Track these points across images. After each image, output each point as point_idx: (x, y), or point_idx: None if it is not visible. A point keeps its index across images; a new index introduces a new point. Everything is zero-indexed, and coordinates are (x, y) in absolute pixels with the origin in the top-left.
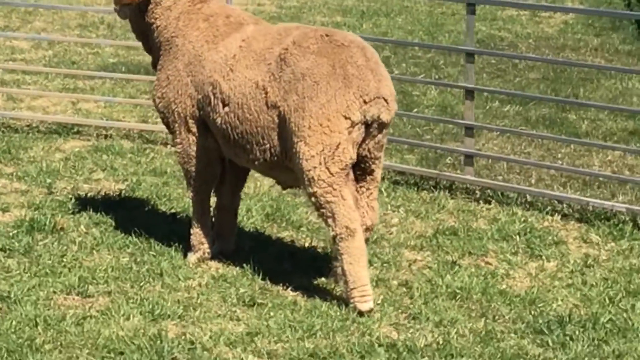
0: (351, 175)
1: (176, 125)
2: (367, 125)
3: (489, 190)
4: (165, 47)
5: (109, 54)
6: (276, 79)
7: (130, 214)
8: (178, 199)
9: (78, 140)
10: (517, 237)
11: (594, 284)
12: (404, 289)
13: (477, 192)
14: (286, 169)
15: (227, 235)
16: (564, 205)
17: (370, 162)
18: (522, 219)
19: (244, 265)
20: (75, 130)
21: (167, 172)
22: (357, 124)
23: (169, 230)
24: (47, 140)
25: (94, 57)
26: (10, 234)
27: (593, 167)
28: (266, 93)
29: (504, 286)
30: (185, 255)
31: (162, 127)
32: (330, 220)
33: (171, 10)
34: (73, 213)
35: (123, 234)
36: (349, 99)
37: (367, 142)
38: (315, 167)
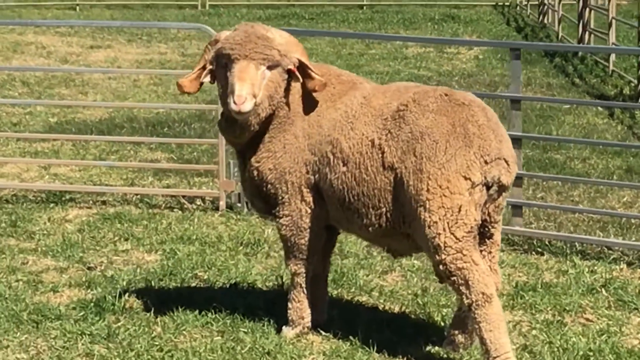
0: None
1: (286, 196)
2: (488, 187)
3: (535, 241)
4: (281, 119)
5: (45, 114)
6: (393, 138)
7: (190, 288)
8: (225, 268)
9: (78, 209)
10: (602, 290)
11: None
12: (528, 354)
13: (521, 242)
14: (402, 236)
15: (320, 305)
16: (619, 252)
17: (490, 226)
18: (590, 270)
19: (349, 337)
20: (67, 197)
21: (192, 238)
22: (477, 185)
23: (242, 303)
24: (46, 210)
25: (32, 118)
26: (78, 316)
27: (617, 209)
28: (383, 152)
29: (628, 345)
30: (278, 331)
31: (161, 190)
32: (463, 288)
33: (295, 84)
34: (130, 290)
35: (197, 310)
36: (469, 159)
37: (487, 205)
38: (440, 234)
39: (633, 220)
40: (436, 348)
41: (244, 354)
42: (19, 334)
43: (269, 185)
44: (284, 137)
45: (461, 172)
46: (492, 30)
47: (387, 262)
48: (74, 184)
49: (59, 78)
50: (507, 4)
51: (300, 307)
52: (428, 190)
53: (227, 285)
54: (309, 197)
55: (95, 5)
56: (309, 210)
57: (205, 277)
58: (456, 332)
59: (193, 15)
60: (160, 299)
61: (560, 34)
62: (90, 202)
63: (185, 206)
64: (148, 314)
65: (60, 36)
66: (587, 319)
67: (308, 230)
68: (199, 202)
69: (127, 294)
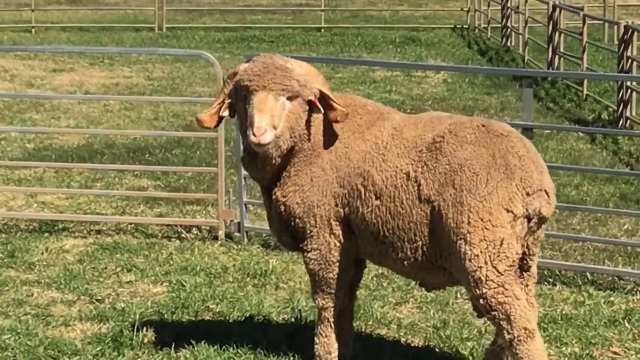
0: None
1: (315, 229)
2: (529, 219)
3: (545, 271)
4: (306, 152)
5: (21, 139)
6: (430, 170)
7: (205, 321)
8: (237, 300)
9: (74, 238)
10: (624, 322)
11: None
12: None
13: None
14: (438, 269)
15: (347, 340)
16: (631, 281)
17: (528, 259)
18: (606, 301)
19: None
20: (60, 226)
21: (196, 269)
22: (519, 217)
23: (261, 337)
24: (41, 239)
25: (8, 144)
26: (95, 351)
27: (619, 237)
28: (419, 185)
29: None
30: None
31: (159, 219)
32: (504, 323)
33: (318, 116)
34: (145, 324)
35: (217, 344)
36: (511, 191)
37: (526, 237)
38: (481, 267)
39: (639, 249)
40: None
41: None
42: None
43: (297, 220)
44: (310, 170)
45: (503, 205)
46: (456, 54)
47: (400, 293)
48: (64, 212)
49: (27, 102)
50: (465, 26)
51: (327, 342)
52: (469, 223)
53: (242, 319)
54: (337, 231)
55: (51, 28)
56: (338, 244)
57: (218, 309)
58: None
59: (151, 37)
60: (177, 333)
61: (527, 58)
62: (85, 231)
63: (183, 235)
64: (168, 349)
65: (20, 59)
66: (615, 352)
67: (337, 264)
68: (195, 231)
69: (143, 328)
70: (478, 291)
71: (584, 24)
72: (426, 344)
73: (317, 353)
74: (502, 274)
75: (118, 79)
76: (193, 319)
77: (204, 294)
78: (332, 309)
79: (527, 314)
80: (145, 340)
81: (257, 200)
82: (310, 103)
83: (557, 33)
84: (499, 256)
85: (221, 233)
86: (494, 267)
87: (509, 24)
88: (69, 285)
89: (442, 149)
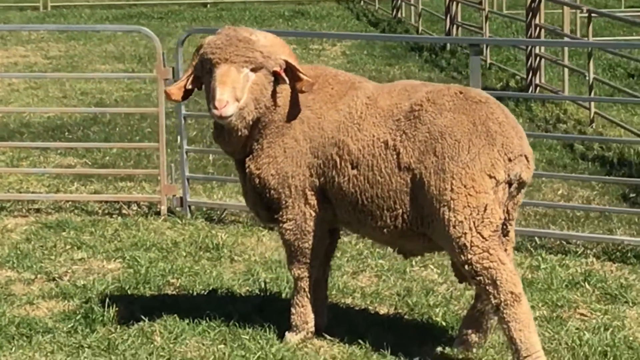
0: None
1: (290, 200)
2: (510, 184)
3: None
4: (277, 124)
5: None
6: (409, 138)
7: (170, 296)
8: (195, 274)
9: (13, 217)
10: (585, 284)
11: None
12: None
13: None
14: (418, 236)
15: (321, 310)
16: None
17: (507, 224)
18: (561, 265)
19: (356, 341)
20: None
21: (146, 244)
22: (501, 183)
23: (230, 310)
24: None
25: None
26: (68, 329)
27: (557, 201)
28: (398, 153)
29: (635, 338)
30: (280, 337)
31: (102, 196)
32: (491, 288)
33: (285, 86)
34: (112, 300)
35: (189, 318)
36: (493, 157)
37: (506, 202)
38: (465, 233)
39: (578, 213)
40: (447, 349)
41: None
42: (13, 349)
43: (272, 191)
44: (282, 141)
45: (486, 171)
46: (347, 25)
47: (354, 262)
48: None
49: None
50: None
51: (304, 312)
52: (452, 190)
53: (206, 292)
54: (313, 200)
55: None
56: (313, 214)
57: (179, 284)
58: (469, 331)
59: (37, 16)
60: (145, 308)
61: (421, 28)
62: (24, 210)
63: (124, 212)
64: (141, 324)
65: None
66: (582, 314)
67: (312, 233)
68: (134, 207)
69: (113, 304)
70: (463, 257)
71: None
72: (396, 311)
73: (294, 323)
74: (486, 240)
75: (15, 58)
76: (156, 293)
77: (161, 269)
78: (308, 279)
79: (513, 278)
80: (116, 316)
81: (199, 175)
82: (275, 74)
83: (454, 3)
84: (483, 222)
85: (163, 208)
86: (479, 233)
87: None
88: (23, 264)
89: (421, 117)
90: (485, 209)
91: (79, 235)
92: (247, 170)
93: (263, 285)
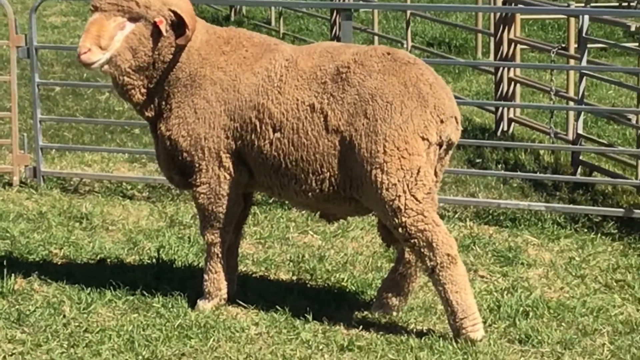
0: None
1: (203, 162)
2: (440, 146)
3: None
4: (184, 83)
5: None
6: (337, 101)
7: (60, 265)
8: (74, 243)
9: None
10: (476, 247)
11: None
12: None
13: None
14: (344, 200)
15: (232, 277)
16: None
17: (434, 185)
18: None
19: (273, 307)
20: None
21: (10, 215)
22: (433, 145)
23: (128, 279)
24: None
25: None
26: None
27: None
28: (325, 116)
29: (552, 298)
30: (192, 305)
31: None
32: (426, 250)
33: (190, 44)
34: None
35: (92, 287)
36: (426, 119)
37: (434, 164)
38: (399, 196)
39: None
40: (365, 312)
41: (177, 328)
42: None
43: (185, 154)
44: (192, 101)
45: (419, 133)
46: None
47: None
48: None
49: None
50: None
51: (217, 279)
52: (385, 152)
53: (95, 261)
54: (228, 163)
55: None
56: (228, 177)
57: (62, 254)
58: (389, 294)
59: None
60: (42, 279)
61: None
62: None
63: None
64: (45, 295)
65: None
66: (483, 276)
67: (226, 197)
68: None
69: (6, 276)
70: (397, 220)
71: None
72: (298, 277)
73: (206, 290)
74: (420, 202)
75: None
76: (46, 263)
77: (39, 240)
78: (222, 245)
79: (448, 240)
80: (14, 287)
81: (53, 144)
82: (155, 25)
83: None
84: (416, 184)
85: (15, 179)
86: (412, 196)
87: None
88: None
89: (349, 79)
90: (419, 172)
91: None
92: (158, 132)
93: (152, 254)
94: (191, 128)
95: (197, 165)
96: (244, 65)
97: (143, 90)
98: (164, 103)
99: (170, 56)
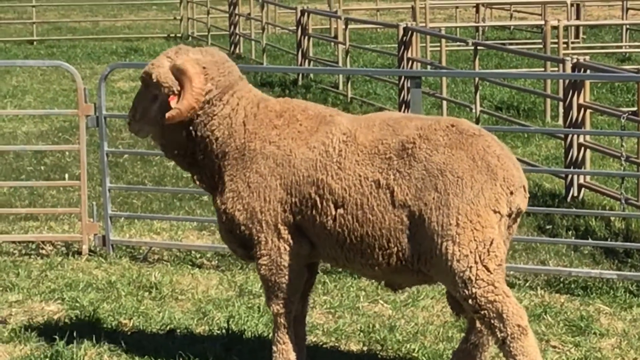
0: None
1: (262, 235)
2: (509, 216)
3: None
4: (233, 156)
5: None
6: (404, 177)
7: (130, 336)
8: (143, 313)
9: None
10: (547, 317)
11: None
12: None
13: None
14: (411, 272)
15: (301, 347)
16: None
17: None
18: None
19: None
20: None
21: (80, 285)
22: (504, 216)
23: (199, 350)
24: None
25: None
26: None
27: None
28: (392, 192)
29: None
30: None
31: (21, 236)
32: (496, 321)
33: (232, 117)
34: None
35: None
36: (496, 192)
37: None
38: (471, 267)
39: None
40: None
41: None
42: None
43: (242, 227)
44: (245, 175)
45: (490, 206)
46: None
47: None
48: None
49: None
50: (178, 35)
51: (285, 349)
52: (457, 224)
53: (164, 332)
54: (286, 235)
55: None
56: (288, 248)
57: (132, 324)
58: None
59: None
60: (112, 350)
61: (266, 63)
62: None
63: (42, 252)
64: None
65: None
66: (555, 346)
67: (288, 268)
68: (49, 246)
69: (76, 347)
70: (467, 291)
71: (346, 27)
72: (368, 348)
73: None
74: (492, 273)
75: None
76: (114, 334)
77: (108, 310)
78: (287, 315)
79: (519, 311)
80: (86, 358)
81: (122, 213)
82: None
83: (305, 37)
84: (489, 255)
85: (85, 247)
86: (484, 266)
87: (237, 32)
88: None
89: (416, 155)
90: (492, 243)
91: (3, 276)
92: (215, 205)
93: (222, 324)
94: (246, 202)
95: (256, 237)
96: (298, 140)
97: (188, 160)
98: (217, 176)
99: (206, 130)
